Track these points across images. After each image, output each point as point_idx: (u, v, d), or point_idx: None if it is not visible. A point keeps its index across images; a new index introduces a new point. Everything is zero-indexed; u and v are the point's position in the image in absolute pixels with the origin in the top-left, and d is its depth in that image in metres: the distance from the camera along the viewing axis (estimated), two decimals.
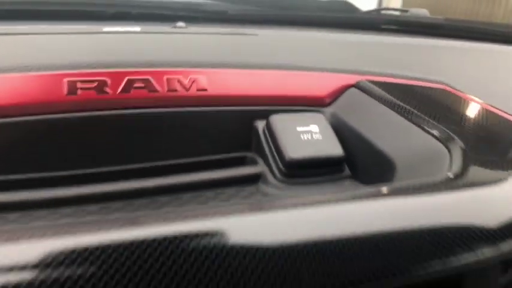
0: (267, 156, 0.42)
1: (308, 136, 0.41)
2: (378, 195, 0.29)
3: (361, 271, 0.25)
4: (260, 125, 0.44)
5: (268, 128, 0.42)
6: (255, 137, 0.44)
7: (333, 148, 0.41)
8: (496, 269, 0.29)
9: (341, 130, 0.43)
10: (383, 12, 1.10)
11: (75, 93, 0.39)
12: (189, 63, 0.44)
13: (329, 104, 0.46)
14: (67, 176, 0.39)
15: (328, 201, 0.27)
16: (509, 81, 0.58)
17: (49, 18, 0.61)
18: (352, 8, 0.97)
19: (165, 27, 0.60)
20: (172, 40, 0.53)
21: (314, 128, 0.42)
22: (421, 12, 1.09)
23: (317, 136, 0.41)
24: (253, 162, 0.43)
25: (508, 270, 0.30)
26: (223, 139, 0.44)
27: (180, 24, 0.62)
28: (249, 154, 0.45)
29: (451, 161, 0.33)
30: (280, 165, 0.40)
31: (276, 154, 0.41)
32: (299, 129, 0.42)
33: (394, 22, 0.87)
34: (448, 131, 0.37)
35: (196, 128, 0.43)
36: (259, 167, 0.42)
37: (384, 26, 0.84)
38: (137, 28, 0.56)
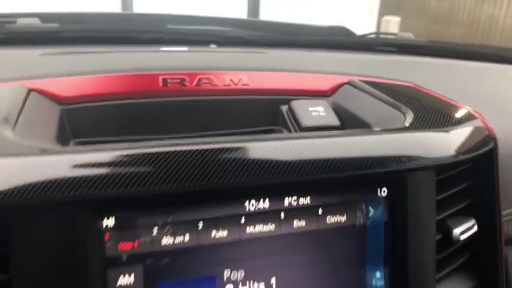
0: (289, 127, 0.63)
1: (316, 113, 0.62)
2: (362, 133, 0.50)
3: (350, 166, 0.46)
4: (284, 108, 0.65)
5: (290, 109, 0.64)
6: (280, 116, 0.65)
7: (333, 120, 0.62)
8: (432, 172, 0.50)
9: (338, 110, 0.64)
10: (374, 36, 1.33)
11: (167, 85, 0.61)
12: (234, 67, 0.66)
13: (330, 95, 0.68)
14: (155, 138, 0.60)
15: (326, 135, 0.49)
16: (459, 85, 0.80)
17: (115, 42, 0.83)
18: (349, 32, 1.20)
19: (203, 48, 0.83)
20: (214, 55, 0.76)
21: (320, 108, 0.64)
22: (407, 35, 1.32)
23: (322, 113, 0.63)
24: (280, 132, 0.65)
25: (438, 175, 0.51)
26: (259, 118, 0.65)
27: (213, 46, 0.85)
28: (276, 127, 0.66)
29: (404, 120, 0.54)
30: (298, 131, 0.61)
31: (295, 124, 0.62)
32: (310, 109, 0.63)
33: (383, 44, 1.09)
34: (405, 106, 0.58)
35: (241, 110, 0.64)
36: (284, 134, 0.63)
37: (376, 47, 1.06)
38: (185, 48, 0.79)
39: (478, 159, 0.59)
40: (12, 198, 0.38)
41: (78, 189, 0.39)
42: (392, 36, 1.32)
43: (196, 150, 0.43)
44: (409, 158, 0.49)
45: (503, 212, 0.67)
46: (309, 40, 0.99)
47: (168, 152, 0.42)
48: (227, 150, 0.44)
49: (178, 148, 0.42)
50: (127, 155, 0.41)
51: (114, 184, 0.40)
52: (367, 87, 0.66)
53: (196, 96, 0.61)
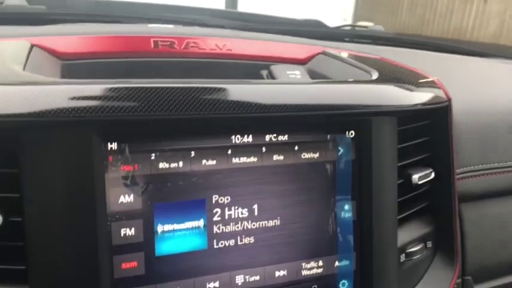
0: None
1: (293, 76, 0.70)
2: (334, 82, 0.57)
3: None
4: (264, 72, 0.72)
5: (270, 72, 0.71)
6: (260, 79, 0.72)
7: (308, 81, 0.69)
8: (393, 119, 0.58)
9: (313, 75, 0.72)
10: (347, 28, 1.42)
11: (157, 47, 0.67)
12: (221, 35, 0.72)
13: (306, 62, 0.75)
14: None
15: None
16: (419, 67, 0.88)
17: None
18: (322, 25, 1.29)
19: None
20: (198, 29, 0.82)
21: (297, 72, 0.71)
22: (377, 27, 1.41)
23: (298, 76, 0.70)
24: None
25: (400, 125, 0.59)
26: None
27: None
28: None
29: (371, 77, 0.62)
30: None
31: None
32: (288, 72, 0.70)
33: (353, 36, 1.18)
34: (372, 69, 0.66)
35: (225, 73, 0.71)
36: (265, 80, 0.70)
37: (345, 39, 1.14)
38: (171, 26, 0.86)
39: (435, 115, 0.67)
40: (27, 119, 0.43)
41: (84, 112, 0.44)
42: (364, 28, 1.42)
43: (189, 88, 0.49)
44: (373, 104, 0.56)
45: (457, 170, 0.76)
46: (284, 29, 1.06)
47: (163, 88, 0.48)
48: (215, 88, 0.50)
49: (172, 85, 0.48)
50: (128, 87, 0.47)
51: (114, 109, 0.45)
52: (338, 55, 0.74)
53: (184, 58, 0.67)
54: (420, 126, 0.68)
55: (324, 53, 0.76)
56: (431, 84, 0.67)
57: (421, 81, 0.66)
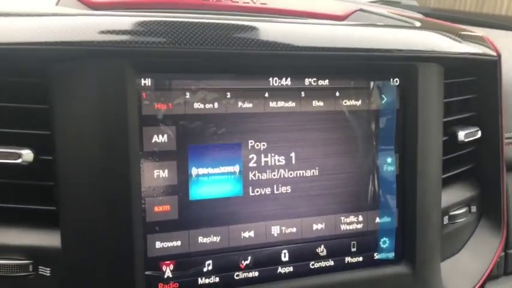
0: None
1: None
2: (379, 26, 0.54)
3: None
4: None
5: None
6: None
7: None
8: (440, 68, 0.54)
9: None
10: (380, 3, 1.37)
11: None
12: None
13: (344, 19, 0.72)
14: None
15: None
16: None
17: None
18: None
19: None
20: None
21: None
22: (411, 2, 1.36)
23: None
24: None
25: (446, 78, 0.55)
26: None
27: None
28: None
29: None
30: None
31: None
32: None
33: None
34: (414, 20, 0.62)
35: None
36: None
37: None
38: None
39: (483, 71, 0.63)
40: (58, 48, 0.41)
41: (117, 43, 0.42)
42: (397, 2, 1.37)
43: (225, 24, 0.46)
44: (419, 49, 0.52)
45: (506, 135, 0.71)
46: None
47: (197, 23, 0.45)
48: (251, 26, 0.47)
49: (206, 20, 0.46)
50: (163, 21, 0.45)
51: (148, 41, 0.43)
52: (377, 10, 0.70)
53: (216, 11, 0.65)
54: (467, 82, 0.64)
55: (362, 10, 0.72)
56: (480, 39, 0.63)
57: (468, 33, 0.62)
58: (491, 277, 0.75)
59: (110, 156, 0.44)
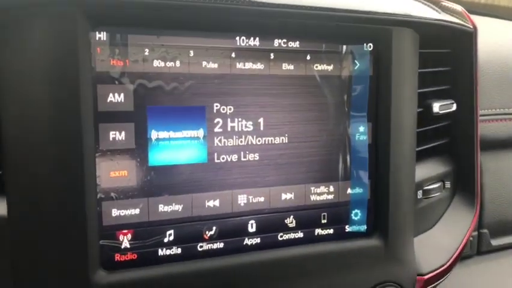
0: None
1: None
2: None
3: None
4: None
5: None
6: None
7: None
8: (415, 34, 0.52)
9: None
10: None
11: None
12: None
13: None
14: None
15: None
16: None
17: None
18: None
19: None
20: None
21: None
22: None
23: None
24: None
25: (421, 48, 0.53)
26: None
27: None
28: None
29: None
30: None
31: None
32: None
33: None
34: None
35: None
36: None
37: None
38: None
39: (458, 43, 0.62)
40: None
41: None
42: None
43: None
44: (393, 12, 0.50)
45: (481, 111, 0.70)
46: None
47: None
48: None
49: None
50: None
51: None
52: None
53: None
54: (443, 55, 0.62)
55: None
56: (457, 11, 0.61)
57: (446, 4, 0.60)
58: (464, 256, 0.75)
59: (61, 116, 0.40)
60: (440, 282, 0.59)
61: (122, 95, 0.42)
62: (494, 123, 0.75)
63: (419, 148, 0.58)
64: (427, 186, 0.60)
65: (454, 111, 0.61)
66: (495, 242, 0.79)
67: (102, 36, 0.41)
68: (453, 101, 0.61)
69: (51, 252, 0.41)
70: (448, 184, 0.64)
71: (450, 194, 0.65)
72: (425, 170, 0.61)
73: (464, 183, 0.65)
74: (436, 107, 0.58)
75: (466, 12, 0.63)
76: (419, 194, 0.59)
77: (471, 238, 0.76)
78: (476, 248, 0.78)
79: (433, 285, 0.58)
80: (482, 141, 0.69)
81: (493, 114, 0.74)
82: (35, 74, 0.39)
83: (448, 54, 0.62)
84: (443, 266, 0.58)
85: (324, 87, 0.50)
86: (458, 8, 0.63)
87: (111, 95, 0.42)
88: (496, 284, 0.77)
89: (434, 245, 0.60)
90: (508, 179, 0.79)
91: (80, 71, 0.40)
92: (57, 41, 0.39)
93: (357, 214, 0.52)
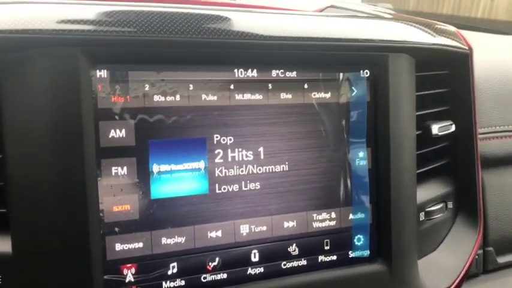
0: None
1: None
2: (348, 17, 0.52)
3: None
4: None
5: None
6: None
7: None
8: (411, 59, 0.53)
9: None
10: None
11: None
12: None
13: None
14: None
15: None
16: None
17: None
18: None
19: None
20: None
21: None
22: (387, 5, 1.37)
23: None
24: None
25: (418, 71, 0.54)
26: None
27: None
28: None
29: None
30: None
31: None
32: None
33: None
34: (386, 14, 0.61)
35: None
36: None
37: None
38: None
39: (455, 64, 0.62)
40: (6, 36, 0.39)
41: (70, 31, 0.40)
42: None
43: (186, 13, 0.44)
44: (389, 39, 0.51)
45: (480, 130, 0.70)
46: None
47: (155, 12, 0.43)
48: (214, 15, 0.45)
49: (165, 9, 0.44)
50: (119, 10, 0.42)
51: (103, 30, 0.41)
52: (348, 5, 0.69)
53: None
54: (440, 76, 0.63)
55: (334, 6, 0.72)
56: (451, 33, 0.62)
57: (440, 27, 0.61)
58: (470, 275, 0.74)
59: (64, 153, 0.41)
60: None
61: (124, 130, 0.43)
62: (495, 141, 0.75)
63: (420, 170, 0.59)
64: (429, 207, 0.60)
65: (453, 131, 0.62)
66: (501, 260, 0.78)
67: (102, 73, 0.42)
68: (452, 122, 0.62)
69: (58, 285, 0.41)
70: (450, 204, 0.64)
71: (453, 215, 0.65)
72: (427, 192, 0.61)
73: (466, 203, 0.65)
74: (435, 128, 0.59)
75: (460, 33, 0.64)
76: (422, 216, 0.59)
77: (476, 257, 0.76)
78: (482, 267, 0.77)
79: None
80: (484, 159, 0.69)
81: (493, 132, 0.74)
82: (39, 113, 0.40)
83: (445, 75, 0.63)
84: (450, 287, 0.58)
85: (322, 114, 0.50)
86: (452, 29, 0.64)
87: (112, 130, 0.43)
88: None
89: (439, 266, 0.60)
90: (511, 196, 0.79)
91: (82, 108, 0.41)
92: (58, 79, 0.40)
93: (359, 239, 0.52)
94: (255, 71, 0.47)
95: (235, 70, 0.47)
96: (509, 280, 0.79)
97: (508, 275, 0.79)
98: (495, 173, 0.77)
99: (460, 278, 0.60)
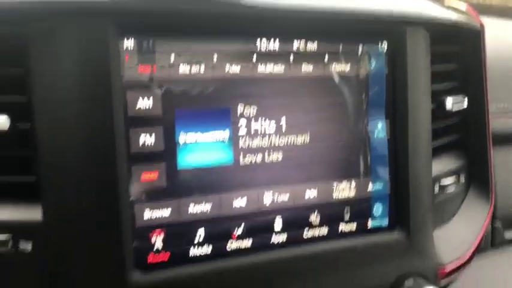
0: None
1: None
2: None
3: None
4: None
5: None
6: None
7: None
8: (427, 34, 0.54)
9: None
10: None
11: None
12: None
13: None
14: None
15: None
16: None
17: None
18: None
19: None
20: None
21: None
22: None
23: None
24: None
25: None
26: None
27: None
28: None
29: None
30: None
31: None
32: None
33: None
34: None
35: None
36: None
37: None
38: None
39: (467, 41, 0.63)
40: (34, 6, 0.39)
41: (98, 2, 0.40)
42: None
43: None
44: (406, 12, 0.52)
45: (493, 107, 0.71)
46: None
47: None
48: None
49: None
50: None
51: (132, 1, 0.41)
52: None
53: None
54: (452, 53, 0.64)
55: None
56: (464, 9, 0.63)
57: (453, 4, 0.62)
58: (479, 250, 0.76)
59: (93, 121, 0.41)
60: (461, 272, 0.60)
61: (151, 100, 0.44)
62: (503, 119, 0.76)
63: (434, 145, 0.60)
64: (443, 181, 0.61)
65: (465, 107, 0.63)
66: (508, 235, 0.80)
67: (130, 43, 0.43)
68: (465, 97, 0.63)
69: (88, 255, 0.42)
70: (462, 178, 0.65)
71: (465, 188, 0.66)
72: (440, 165, 0.62)
73: (478, 177, 0.67)
74: (449, 103, 0.60)
75: (472, 10, 0.65)
76: (436, 188, 0.60)
77: (485, 232, 0.77)
78: (490, 242, 0.79)
79: (453, 275, 0.59)
80: (494, 135, 0.71)
81: (503, 110, 0.76)
82: (67, 83, 0.41)
83: (457, 52, 0.64)
84: (463, 256, 0.60)
85: (342, 86, 0.51)
86: (463, 6, 0.65)
87: (140, 101, 0.43)
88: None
89: (453, 237, 0.61)
90: None
91: (111, 78, 0.41)
92: (87, 50, 0.41)
93: (378, 209, 0.53)
94: (277, 41, 0.48)
95: (258, 40, 0.47)
96: None
97: None
98: (502, 151, 0.79)
99: (473, 248, 0.61)
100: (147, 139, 0.44)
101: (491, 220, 0.78)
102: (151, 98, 0.44)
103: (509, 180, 0.79)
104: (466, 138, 0.66)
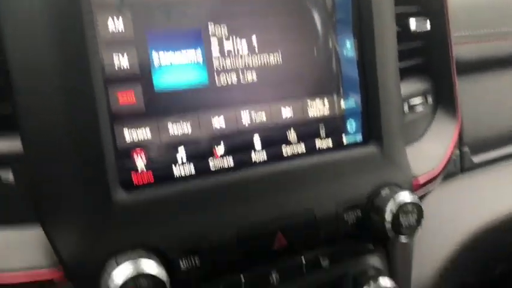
0: None
1: None
2: None
3: None
4: None
5: None
6: None
7: None
8: None
9: None
10: None
11: None
12: None
13: None
14: None
15: None
16: None
17: None
18: None
19: None
20: None
21: None
22: None
23: None
24: None
25: None
26: None
27: None
28: None
29: None
30: None
31: None
32: None
33: None
34: None
35: None
36: None
37: None
38: None
39: None
40: None
41: None
42: None
43: None
44: None
45: (456, 34, 0.74)
46: None
47: None
48: None
49: None
50: None
51: None
52: None
53: None
54: None
55: None
56: None
57: None
58: (449, 174, 0.80)
59: (65, 44, 0.41)
60: (434, 184, 0.64)
61: (122, 21, 0.44)
62: (465, 46, 0.79)
63: (401, 65, 0.62)
64: (411, 100, 0.64)
65: (428, 31, 0.65)
66: (476, 159, 0.85)
67: None
68: (427, 19, 0.65)
69: (72, 177, 0.42)
70: (430, 99, 0.68)
71: (433, 110, 0.70)
72: (408, 87, 0.65)
73: (444, 98, 0.70)
74: (413, 24, 0.62)
75: None
76: (406, 108, 0.63)
77: (454, 157, 0.81)
78: (459, 166, 0.83)
79: (427, 186, 0.62)
80: (457, 63, 0.74)
81: (463, 36, 0.79)
82: (36, 7, 0.40)
83: None
84: (436, 168, 0.63)
85: (310, 5, 0.52)
86: None
87: (110, 20, 0.43)
88: (481, 198, 0.83)
89: (425, 152, 0.64)
90: (483, 99, 0.84)
91: (80, 2, 0.41)
92: None
93: (352, 125, 0.55)
94: None
95: None
96: (484, 178, 0.85)
97: (483, 173, 0.85)
98: (467, 77, 0.82)
99: (444, 162, 0.65)
100: (121, 61, 0.44)
101: (459, 145, 0.82)
102: (122, 19, 0.44)
103: (475, 106, 0.83)
104: (431, 61, 0.69)
